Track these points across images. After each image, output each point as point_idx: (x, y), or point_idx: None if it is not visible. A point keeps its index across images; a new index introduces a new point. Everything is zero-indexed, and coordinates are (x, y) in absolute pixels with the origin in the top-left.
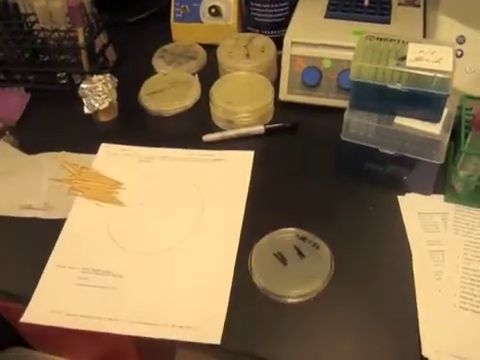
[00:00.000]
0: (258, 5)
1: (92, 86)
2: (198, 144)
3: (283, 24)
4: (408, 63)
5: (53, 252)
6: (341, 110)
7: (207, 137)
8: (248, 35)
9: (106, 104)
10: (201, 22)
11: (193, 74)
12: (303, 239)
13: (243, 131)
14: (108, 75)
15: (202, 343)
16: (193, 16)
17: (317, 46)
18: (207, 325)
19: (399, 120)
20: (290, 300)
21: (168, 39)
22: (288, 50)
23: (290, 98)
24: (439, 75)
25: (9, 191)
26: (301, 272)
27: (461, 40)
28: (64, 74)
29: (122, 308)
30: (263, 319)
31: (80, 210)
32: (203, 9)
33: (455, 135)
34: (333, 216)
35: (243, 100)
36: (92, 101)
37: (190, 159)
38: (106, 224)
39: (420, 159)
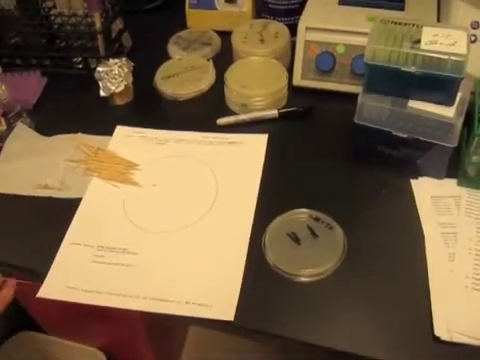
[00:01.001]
0: None
1: (108, 69)
2: (212, 127)
3: (297, 11)
4: (422, 46)
5: (69, 230)
6: (354, 96)
7: (221, 120)
8: (262, 21)
9: (122, 87)
10: (216, 9)
11: (208, 59)
12: (316, 220)
13: (257, 115)
14: (124, 59)
15: (216, 319)
16: (208, 3)
17: (331, 32)
18: (221, 302)
19: (413, 103)
20: (303, 279)
21: (183, 26)
22: (302, 35)
23: (304, 83)
24: (453, 58)
25: (26, 171)
26: (314, 252)
27: (475, 25)
28: (80, 59)
29: (137, 285)
30: (276, 297)
31: (96, 190)
32: None
33: (469, 120)
34: (346, 198)
35: (257, 84)
36: (108, 84)
37: (205, 142)
38: (121, 204)
39: (433, 143)
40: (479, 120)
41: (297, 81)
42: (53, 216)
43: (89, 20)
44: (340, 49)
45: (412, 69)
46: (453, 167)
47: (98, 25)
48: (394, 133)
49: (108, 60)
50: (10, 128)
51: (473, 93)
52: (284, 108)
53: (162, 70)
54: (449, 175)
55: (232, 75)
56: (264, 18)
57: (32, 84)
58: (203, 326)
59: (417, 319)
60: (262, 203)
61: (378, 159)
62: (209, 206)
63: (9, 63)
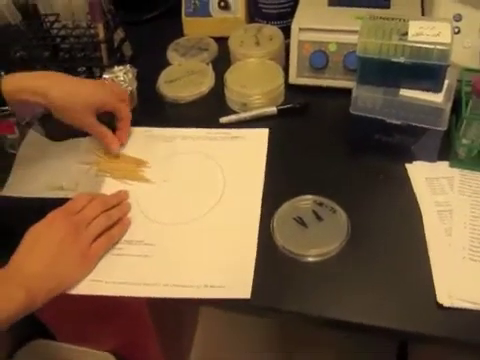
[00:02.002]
0: None
1: (113, 76)
2: (215, 126)
3: (289, 14)
4: (410, 38)
5: None
6: (347, 90)
7: (224, 119)
8: (256, 25)
9: (127, 92)
10: (211, 16)
11: (207, 64)
12: (320, 204)
13: (257, 112)
14: (128, 65)
15: (234, 299)
16: (203, 10)
17: (323, 31)
18: (237, 283)
19: (404, 92)
20: (311, 259)
21: (179, 34)
22: (296, 36)
23: (299, 81)
24: (439, 47)
25: (41, 175)
26: (320, 233)
27: (458, 18)
28: (84, 68)
29: (157, 273)
30: (287, 277)
31: (110, 189)
32: (212, 3)
33: (456, 106)
34: (346, 184)
35: (256, 84)
36: None
37: (209, 137)
38: (135, 200)
39: (425, 128)
40: (466, 104)
41: (293, 79)
42: None
43: (92, 31)
44: (332, 47)
45: (401, 59)
46: (444, 151)
47: (101, 35)
48: (388, 121)
49: (113, 67)
50: (23, 136)
51: (460, 81)
52: (282, 105)
53: (164, 75)
54: (441, 158)
55: (232, 76)
56: (257, 22)
57: None
58: (223, 307)
59: (420, 290)
60: (268, 192)
61: (374, 147)
62: (218, 197)
63: None
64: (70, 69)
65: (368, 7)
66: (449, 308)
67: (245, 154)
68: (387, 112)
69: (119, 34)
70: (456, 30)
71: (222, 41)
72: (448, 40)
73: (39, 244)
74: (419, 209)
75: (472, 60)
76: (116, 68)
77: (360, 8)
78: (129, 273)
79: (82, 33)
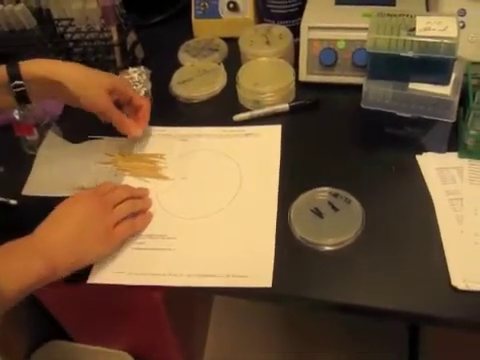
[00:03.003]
0: None
1: (128, 77)
2: (228, 124)
3: (297, 14)
4: (417, 33)
5: None
6: (357, 86)
7: (237, 117)
8: (265, 25)
9: (142, 93)
10: (220, 17)
11: (218, 64)
12: (335, 195)
13: (270, 109)
14: (142, 67)
15: (256, 288)
16: (212, 12)
17: (331, 29)
18: (258, 272)
19: (413, 85)
20: (327, 248)
21: (189, 36)
22: (305, 34)
23: (309, 78)
24: (446, 41)
25: (61, 175)
26: (336, 223)
27: (462, 13)
28: None
29: (180, 265)
30: (305, 266)
31: None
32: (221, 5)
33: (464, 99)
34: (359, 176)
35: (267, 81)
36: None
37: (223, 135)
38: (155, 196)
39: (434, 120)
40: (473, 96)
41: (303, 77)
42: None
43: (105, 35)
44: (341, 44)
45: (410, 54)
46: (453, 142)
47: (115, 38)
48: (398, 114)
49: (127, 69)
50: (41, 137)
51: (466, 75)
52: (293, 102)
53: (177, 76)
54: (450, 149)
55: (244, 75)
56: (266, 23)
57: None
58: (245, 297)
59: (435, 275)
60: (283, 185)
61: (385, 139)
62: (236, 191)
63: None
64: None
65: (374, 5)
66: (464, 291)
67: (259, 150)
68: (397, 105)
69: (132, 37)
70: (461, 25)
71: (231, 41)
72: (455, 34)
73: (66, 217)
74: (430, 198)
75: (477, 54)
76: (130, 70)
77: (366, 6)
78: (152, 265)
79: (96, 36)
